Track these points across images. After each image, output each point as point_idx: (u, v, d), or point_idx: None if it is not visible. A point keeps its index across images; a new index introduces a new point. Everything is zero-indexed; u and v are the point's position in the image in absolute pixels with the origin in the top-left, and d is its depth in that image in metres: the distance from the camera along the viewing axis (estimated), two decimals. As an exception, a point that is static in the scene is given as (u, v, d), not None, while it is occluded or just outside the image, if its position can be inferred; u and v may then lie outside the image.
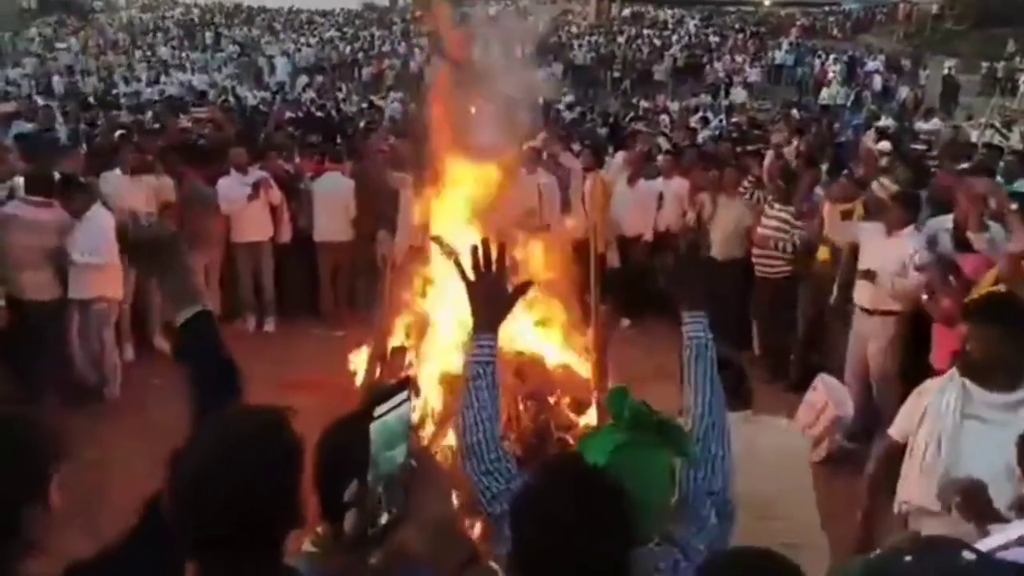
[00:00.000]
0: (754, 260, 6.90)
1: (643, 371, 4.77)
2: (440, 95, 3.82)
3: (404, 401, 1.57)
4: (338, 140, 9.93)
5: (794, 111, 17.15)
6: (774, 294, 6.80)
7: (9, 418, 1.55)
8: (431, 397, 3.81)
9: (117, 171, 6.87)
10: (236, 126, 11.17)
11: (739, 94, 22.90)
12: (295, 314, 7.78)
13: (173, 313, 1.81)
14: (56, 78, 23.71)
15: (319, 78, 25.66)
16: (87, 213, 5.67)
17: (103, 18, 36.00)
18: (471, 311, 2.05)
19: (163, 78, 24.32)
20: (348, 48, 30.66)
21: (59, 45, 30.57)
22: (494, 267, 2.03)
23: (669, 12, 38.43)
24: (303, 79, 25.00)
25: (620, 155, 9.05)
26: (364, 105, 18.50)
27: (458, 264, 2.11)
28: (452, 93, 3.76)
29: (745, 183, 7.57)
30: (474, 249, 2.05)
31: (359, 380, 4.15)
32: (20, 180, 5.89)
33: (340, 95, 22.21)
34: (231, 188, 7.18)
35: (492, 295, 2.04)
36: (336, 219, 7.59)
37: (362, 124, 12.59)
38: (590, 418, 3.59)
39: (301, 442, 1.45)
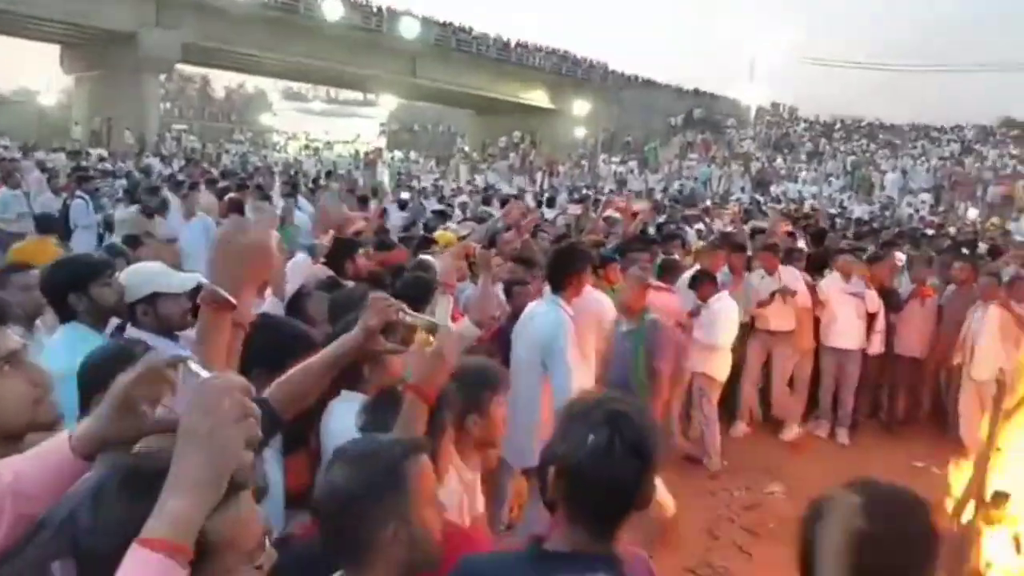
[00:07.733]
0: None
1: None
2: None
3: None
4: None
5: None
6: None
7: None
8: None
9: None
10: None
11: None
12: (874, 430, 7.38)
13: None
14: (677, 184, 27.29)
15: (924, 195, 24.14)
16: (711, 300, 6.22)
17: (733, 133, 39.85)
18: None
19: (774, 189, 25.93)
20: (976, 165, 28.22)
21: (691, 155, 35.00)
22: None
23: None
24: (916, 196, 23.89)
25: None
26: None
27: None
28: None
29: None
30: None
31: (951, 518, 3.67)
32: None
33: (959, 213, 20.59)
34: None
35: None
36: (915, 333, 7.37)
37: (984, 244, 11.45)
38: None
39: None
